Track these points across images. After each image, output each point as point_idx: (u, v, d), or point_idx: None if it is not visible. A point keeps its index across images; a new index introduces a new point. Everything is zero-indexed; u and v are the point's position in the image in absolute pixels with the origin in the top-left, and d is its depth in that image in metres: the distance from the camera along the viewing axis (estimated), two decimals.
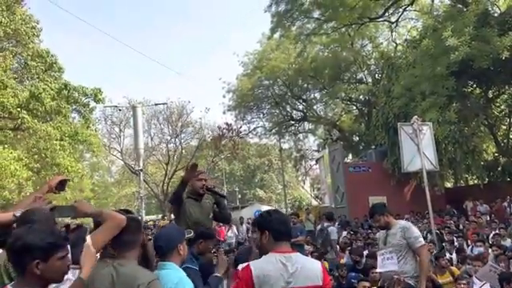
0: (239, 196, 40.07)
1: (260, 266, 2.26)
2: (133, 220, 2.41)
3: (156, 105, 26.67)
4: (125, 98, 35.27)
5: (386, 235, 4.39)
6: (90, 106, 17.63)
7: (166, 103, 27.05)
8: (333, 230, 10.34)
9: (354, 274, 6.98)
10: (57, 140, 15.67)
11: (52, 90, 15.14)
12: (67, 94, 15.74)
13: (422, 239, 4.31)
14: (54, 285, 1.93)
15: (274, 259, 2.27)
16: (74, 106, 17.17)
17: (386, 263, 4.25)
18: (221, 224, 12.07)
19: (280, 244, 2.32)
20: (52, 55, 17.10)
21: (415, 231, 4.29)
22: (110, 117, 28.81)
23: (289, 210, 31.60)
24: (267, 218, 2.42)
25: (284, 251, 2.31)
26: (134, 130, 20.98)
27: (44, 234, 1.82)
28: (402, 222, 4.48)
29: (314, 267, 2.33)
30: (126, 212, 3.27)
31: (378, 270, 4.30)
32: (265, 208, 24.61)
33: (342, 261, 7.82)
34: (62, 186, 2.64)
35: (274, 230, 2.34)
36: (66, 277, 2.11)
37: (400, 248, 4.22)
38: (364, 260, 7.71)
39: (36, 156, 16.52)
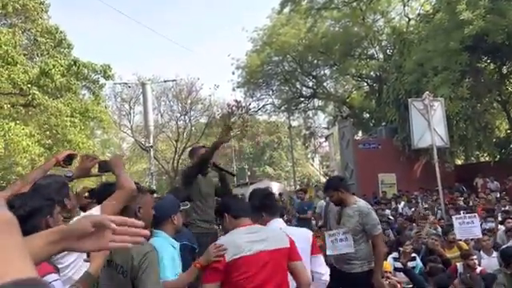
0: (249, 173, 40.27)
1: (226, 238, 2.62)
2: None
3: (165, 81, 26.68)
4: (134, 75, 35.27)
5: (341, 214, 4.04)
6: (100, 83, 17.65)
7: (175, 80, 27.02)
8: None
9: None
10: (67, 116, 15.77)
11: (62, 66, 15.16)
12: (77, 70, 15.74)
13: (379, 226, 4.03)
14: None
15: (238, 231, 2.59)
16: (83, 83, 17.20)
17: (339, 245, 3.84)
18: None
19: (240, 220, 2.63)
20: (61, 31, 17.05)
21: (374, 218, 3.96)
22: (120, 94, 28.94)
23: (297, 186, 31.76)
24: (223, 203, 2.91)
25: (246, 224, 2.62)
26: (144, 107, 21.09)
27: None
28: (360, 204, 4.03)
29: (279, 233, 2.67)
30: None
31: (328, 253, 3.87)
32: (274, 184, 24.75)
33: None
34: (69, 159, 2.67)
35: (232, 210, 2.67)
36: (70, 260, 2.14)
37: (355, 232, 3.89)
38: None
39: (48, 132, 16.69)
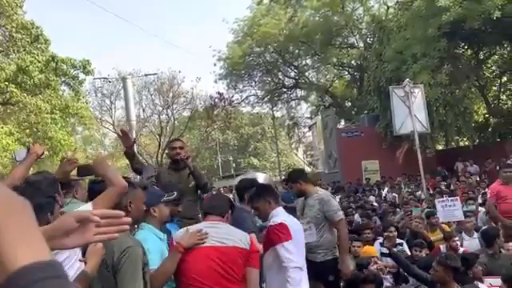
0: (234, 165, 40.29)
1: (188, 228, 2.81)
2: None
3: (146, 75, 26.33)
4: (114, 69, 34.79)
5: (304, 205, 4.12)
6: (80, 79, 17.43)
7: (156, 74, 26.71)
8: None
9: None
10: (47, 113, 15.55)
11: (39, 62, 14.90)
12: (55, 66, 15.51)
13: (340, 212, 4.12)
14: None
15: (200, 225, 2.82)
16: (62, 79, 16.95)
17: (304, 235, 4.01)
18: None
19: (208, 216, 2.84)
20: (37, 27, 16.69)
21: (334, 204, 4.08)
22: (101, 89, 28.49)
23: (283, 177, 31.93)
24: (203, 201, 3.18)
25: (210, 220, 2.80)
26: (125, 102, 20.83)
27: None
28: (321, 193, 4.15)
29: (239, 233, 2.74)
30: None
31: None
32: (260, 175, 24.86)
33: None
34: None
35: (204, 207, 3.06)
36: (62, 258, 2.14)
37: (317, 220, 3.97)
38: (360, 221, 7.93)
39: (28, 130, 16.43)
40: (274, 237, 3.06)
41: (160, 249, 2.67)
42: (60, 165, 2.61)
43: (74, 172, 2.91)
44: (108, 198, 2.26)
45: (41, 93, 15.60)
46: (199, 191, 4.37)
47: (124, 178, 2.67)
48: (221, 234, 2.68)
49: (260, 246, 3.13)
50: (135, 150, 4.14)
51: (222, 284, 2.55)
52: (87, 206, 2.25)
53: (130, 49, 71.66)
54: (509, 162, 13.31)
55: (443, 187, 12.55)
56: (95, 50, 64.60)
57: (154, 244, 2.64)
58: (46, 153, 16.96)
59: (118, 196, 2.28)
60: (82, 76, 17.09)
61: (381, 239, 5.87)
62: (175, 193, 3.03)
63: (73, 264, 2.11)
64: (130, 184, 2.55)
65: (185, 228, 2.80)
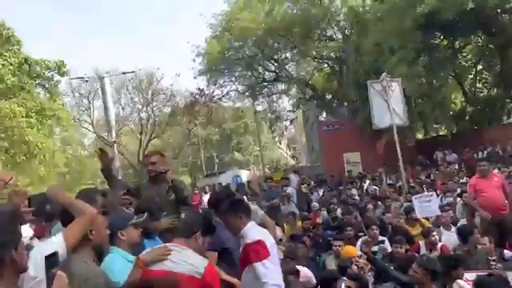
0: (217, 160, 40.17)
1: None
2: None
3: (124, 73, 25.94)
4: (92, 67, 34.16)
5: None
6: (55, 80, 17.07)
7: (134, 71, 26.34)
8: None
9: (329, 231, 7.22)
10: (23, 117, 15.20)
11: (12, 65, 14.50)
12: (28, 68, 15.13)
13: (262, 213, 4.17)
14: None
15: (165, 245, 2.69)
16: (37, 81, 16.58)
17: None
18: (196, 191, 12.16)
19: (173, 239, 2.71)
20: (8, 28, 16.22)
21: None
22: (78, 89, 27.99)
23: (266, 171, 31.98)
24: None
25: (175, 241, 2.67)
26: (104, 102, 20.53)
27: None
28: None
29: (197, 261, 2.56)
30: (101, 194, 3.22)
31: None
32: (243, 172, 24.80)
33: (318, 220, 8.01)
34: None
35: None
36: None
37: None
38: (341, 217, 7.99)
39: (3, 135, 16.03)
40: (252, 254, 3.01)
41: (125, 270, 2.60)
42: (8, 198, 2.45)
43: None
44: (79, 227, 2.22)
45: (15, 96, 15.22)
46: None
47: (95, 191, 2.61)
48: (176, 258, 2.55)
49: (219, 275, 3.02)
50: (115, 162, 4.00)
51: None
52: (58, 238, 2.18)
53: (106, 46, 70.42)
54: (487, 150, 13.66)
55: (423, 177, 12.75)
56: (69, 48, 63.26)
57: (121, 268, 2.59)
58: (23, 157, 16.64)
59: (88, 223, 2.24)
60: (57, 77, 16.74)
61: (363, 237, 5.91)
62: (145, 214, 2.97)
63: None
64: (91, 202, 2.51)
65: (156, 246, 2.73)
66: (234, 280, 3.28)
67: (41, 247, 2.17)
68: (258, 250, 3.00)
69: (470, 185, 6.04)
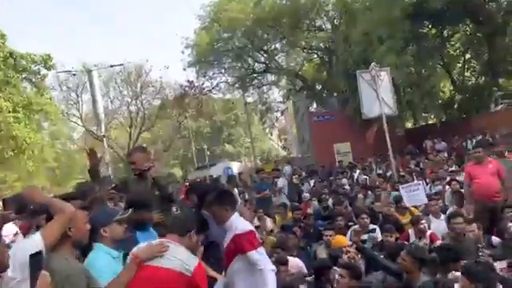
0: (208, 153, 40.10)
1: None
2: None
3: (112, 66, 25.62)
4: (79, 61, 33.75)
5: None
6: (41, 74, 16.84)
7: (122, 64, 26.04)
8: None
9: (320, 221, 7.25)
10: (9, 112, 14.99)
11: None
12: (14, 62, 14.88)
13: None
14: None
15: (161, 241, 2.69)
16: (23, 75, 16.34)
17: None
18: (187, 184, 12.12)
19: (166, 235, 2.71)
20: None
21: None
22: (65, 82, 27.65)
23: (258, 162, 32.01)
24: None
25: (168, 237, 2.67)
26: (92, 95, 20.25)
27: None
28: None
29: (188, 258, 2.56)
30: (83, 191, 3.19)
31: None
32: (234, 164, 24.84)
33: (309, 210, 8.04)
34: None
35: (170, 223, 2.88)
36: None
37: None
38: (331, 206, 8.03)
39: None
40: (245, 244, 3.07)
41: (112, 268, 2.59)
42: None
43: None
44: (57, 226, 2.21)
45: (1, 91, 14.99)
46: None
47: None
48: (169, 254, 2.55)
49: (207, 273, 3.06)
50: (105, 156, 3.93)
51: None
52: (36, 237, 2.16)
53: (94, 40, 69.53)
54: (477, 138, 13.75)
55: (413, 166, 12.85)
56: (56, 41, 62.34)
57: (104, 264, 2.57)
58: (11, 153, 16.42)
59: (66, 222, 2.23)
60: (43, 71, 16.50)
61: (355, 226, 5.94)
62: (130, 210, 2.95)
63: None
64: None
65: (149, 241, 2.72)
66: (219, 276, 3.33)
67: (19, 247, 2.15)
68: (252, 239, 3.07)
69: (466, 171, 6.05)
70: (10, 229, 3.26)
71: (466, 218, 4.79)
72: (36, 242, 2.13)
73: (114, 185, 3.43)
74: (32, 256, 2.00)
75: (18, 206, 2.37)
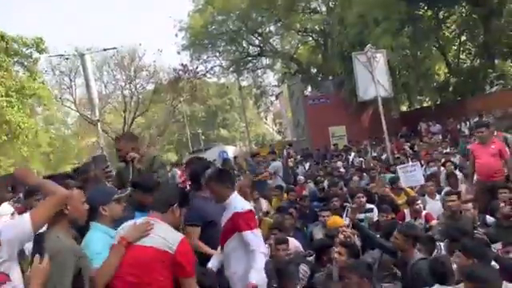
0: (203, 137, 40.03)
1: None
2: None
3: (105, 50, 25.25)
4: (70, 45, 33.33)
5: None
6: (34, 57, 16.64)
7: (115, 48, 25.70)
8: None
9: (316, 203, 7.30)
10: (2, 96, 14.84)
11: None
12: (5, 45, 14.67)
13: None
14: None
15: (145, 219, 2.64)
16: (15, 59, 16.13)
17: None
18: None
19: (149, 212, 2.67)
20: None
21: None
22: (58, 67, 27.28)
23: (253, 146, 32.01)
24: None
25: (151, 216, 2.62)
26: (85, 79, 20.01)
27: None
28: None
29: (169, 238, 2.51)
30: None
31: None
32: (229, 148, 24.76)
33: (305, 192, 8.09)
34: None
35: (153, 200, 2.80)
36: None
37: None
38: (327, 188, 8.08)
39: None
40: (242, 223, 3.09)
41: (108, 246, 2.57)
42: None
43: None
44: (47, 208, 2.18)
45: None
46: None
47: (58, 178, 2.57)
48: (153, 232, 2.52)
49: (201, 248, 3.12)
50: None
51: (132, 286, 2.43)
52: (25, 217, 2.14)
53: (86, 23, 68.54)
54: (474, 120, 13.79)
55: (407, 148, 12.91)
56: (47, 26, 61.40)
57: (102, 244, 2.56)
58: (5, 137, 16.31)
59: (57, 205, 2.20)
60: (35, 55, 16.29)
61: (350, 204, 5.98)
62: (128, 189, 2.94)
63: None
64: (65, 185, 2.45)
65: (132, 221, 2.68)
66: (215, 252, 3.36)
67: (7, 226, 2.14)
68: (249, 219, 3.09)
69: (470, 150, 6.16)
70: (6, 209, 3.24)
71: (462, 197, 4.83)
72: (24, 222, 2.10)
73: (108, 163, 3.37)
74: (37, 235, 2.02)
75: (10, 186, 2.33)
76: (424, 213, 5.35)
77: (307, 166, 13.35)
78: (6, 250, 2.02)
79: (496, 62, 18.37)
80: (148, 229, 2.50)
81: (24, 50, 15.62)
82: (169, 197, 2.72)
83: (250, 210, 3.14)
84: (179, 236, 2.58)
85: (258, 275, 2.97)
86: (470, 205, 4.65)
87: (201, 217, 3.48)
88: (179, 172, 12.59)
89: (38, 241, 2.05)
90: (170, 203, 2.66)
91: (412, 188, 6.63)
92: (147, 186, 3.33)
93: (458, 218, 4.46)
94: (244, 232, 3.07)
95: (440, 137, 14.30)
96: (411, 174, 6.44)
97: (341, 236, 4.72)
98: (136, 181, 3.44)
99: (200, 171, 3.73)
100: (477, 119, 13.29)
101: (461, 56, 20.21)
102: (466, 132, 13.48)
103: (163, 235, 2.50)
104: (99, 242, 2.58)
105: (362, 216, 5.40)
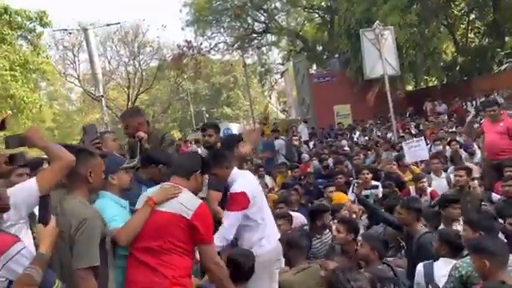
0: (207, 115, 39.95)
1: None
2: (79, 151, 2.36)
3: (108, 25, 25.00)
4: (73, 20, 32.97)
5: None
6: (37, 31, 16.47)
7: (119, 23, 25.42)
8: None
9: (320, 180, 7.33)
10: (6, 70, 14.76)
11: None
12: (9, 18, 14.51)
13: None
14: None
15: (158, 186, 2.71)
16: (18, 32, 15.98)
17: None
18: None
19: (172, 177, 2.71)
20: None
21: None
22: (62, 41, 27.05)
23: (257, 125, 31.92)
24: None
25: (172, 181, 2.67)
26: (89, 54, 19.89)
27: None
28: None
29: (188, 200, 2.54)
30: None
31: None
32: (233, 125, 24.72)
33: (309, 169, 8.11)
34: (2, 125, 2.42)
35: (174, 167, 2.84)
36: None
37: None
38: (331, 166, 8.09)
39: None
40: (228, 202, 3.13)
41: (123, 216, 2.59)
42: None
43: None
44: (53, 173, 2.16)
45: None
46: None
47: (79, 147, 2.56)
48: (174, 198, 2.56)
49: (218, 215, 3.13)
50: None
51: (151, 252, 2.46)
52: (31, 181, 2.13)
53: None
54: (480, 100, 13.67)
55: (412, 128, 12.86)
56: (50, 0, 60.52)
57: (113, 210, 2.56)
58: (9, 112, 16.31)
59: (63, 170, 2.18)
60: (39, 29, 16.12)
61: (356, 180, 5.98)
62: (136, 159, 2.94)
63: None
64: (89, 153, 2.44)
65: (158, 185, 2.71)
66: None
67: (15, 189, 2.14)
68: (235, 200, 3.07)
69: (481, 125, 6.24)
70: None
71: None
72: (31, 186, 2.09)
73: (98, 135, 3.28)
74: (42, 198, 2.02)
75: (18, 145, 2.29)
76: (429, 190, 5.36)
77: (311, 144, 13.36)
78: (13, 214, 2.03)
79: (506, 39, 18.05)
80: (176, 192, 2.53)
81: (27, 23, 15.44)
82: (193, 163, 2.74)
83: (241, 192, 3.09)
84: (198, 201, 2.59)
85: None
86: (475, 182, 4.65)
87: (223, 184, 3.49)
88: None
89: (44, 204, 2.05)
90: (194, 170, 2.69)
91: (417, 166, 6.63)
92: (164, 161, 3.28)
93: (466, 193, 4.47)
94: (225, 211, 3.12)
95: (446, 117, 14.22)
96: (416, 149, 6.43)
97: (344, 212, 4.76)
98: (154, 155, 3.38)
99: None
100: (483, 99, 13.20)
101: (469, 35, 19.88)
102: (472, 112, 13.38)
103: (182, 201, 2.53)
104: (114, 209, 2.59)
105: (367, 192, 5.42)
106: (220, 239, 2.98)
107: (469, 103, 14.93)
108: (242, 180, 3.20)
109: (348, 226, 3.69)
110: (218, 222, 3.15)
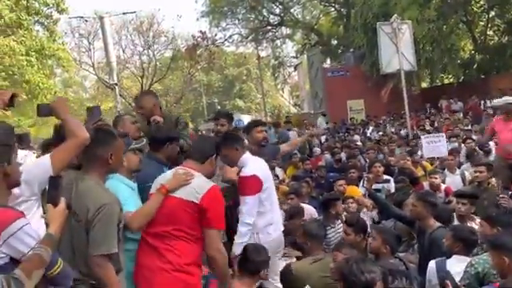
0: (219, 107, 39.98)
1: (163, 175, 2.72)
2: (100, 132, 2.31)
3: (124, 14, 25.08)
4: (89, 7, 33.10)
5: None
6: (54, 18, 16.60)
7: (135, 12, 25.50)
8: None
9: (332, 173, 7.26)
10: (22, 55, 14.90)
11: (9, 0, 14.00)
12: (26, 4, 14.63)
13: None
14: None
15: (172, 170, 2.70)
16: (35, 18, 16.11)
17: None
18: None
19: (185, 160, 2.74)
20: None
21: None
22: (77, 29, 27.21)
23: (268, 118, 31.88)
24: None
25: (185, 165, 2.67)
26: (104, 43, 19.95)
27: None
28: None
29: (199, 185, 2.51)
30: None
31: None
32: (245, 117, 24.69)
33: (321, 163, 8.05)
34: (11, 101, 2.35)
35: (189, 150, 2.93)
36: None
37: None
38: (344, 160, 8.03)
39: (3, 73, 15.82)
40: (241, 187, 3.13)
41: (134, 199, 2.58)
42: None
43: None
44: (67, 150, 2.10)
45: (13, 33, 14.81)
46: None
47: (104, 127, 2.51)
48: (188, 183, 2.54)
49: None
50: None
51: (161, 237, 2.47)
52: (45, 159, 2.08)
53: None
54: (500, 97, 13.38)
55: (427, 125, 12.68)
56: None
57: (123, 192, 2.55)
58: (24, 97, 16.50)
59: (78, 148, 2.12)
60: (56, 15, 16.23)
61: (367, 174, 5.91)
62: (144, 140, 2.92)
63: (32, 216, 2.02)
64: (111, 133, 2.38)
65: (171, 170, 2.69)
66: None
67: (29, 165, 2.11)
68: (248, 184, 3.09)
69: (490, 124, 5.96)
70: (31, 156, 3.25)
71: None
72: (45, 163, 2.05)
73: (101, 117, 3.19)
74: (52, 178, 1.98)
75: (48, 114, 2.26)
76: (443, 186, 5.27)
77: (323, 138, 13.26)
78: (25, 189, 2.00)
79: None
80: (188, 179, 2.51)
81: (45, 9, 15.55)
82: (207, 148, 2.72)
83: (253, 175, 3.09)
84: (210, 184, 2.57)
85: (239, 248, 2.95)
86: (493, 180, 4.56)
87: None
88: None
89: (55, 184, 2.00)
90: (210, 154, 2.67)
91: (431, 162, 6.52)
92: (163, 137, 3.18)
93: (485, 189, 4.39)
94: (241, 196, 3.11)
95: (461, 115, 14.00)
96: (436, 145, 6.31)
97: (352, 205, 4.71)
98: (170, 135, 3.28)
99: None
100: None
101: (488, 32, 19.50)
102: (490, 110, 13.13)
103: (193, 185, 2.51)
104: (125, 191, 2.57)
105: (379, 186, 5.35)
106: (242, 224, 3.04)
107: (487, 101, 14.64)
108: (252, 164, 3.19)
109: (356, 228, 3.61)
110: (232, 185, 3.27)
